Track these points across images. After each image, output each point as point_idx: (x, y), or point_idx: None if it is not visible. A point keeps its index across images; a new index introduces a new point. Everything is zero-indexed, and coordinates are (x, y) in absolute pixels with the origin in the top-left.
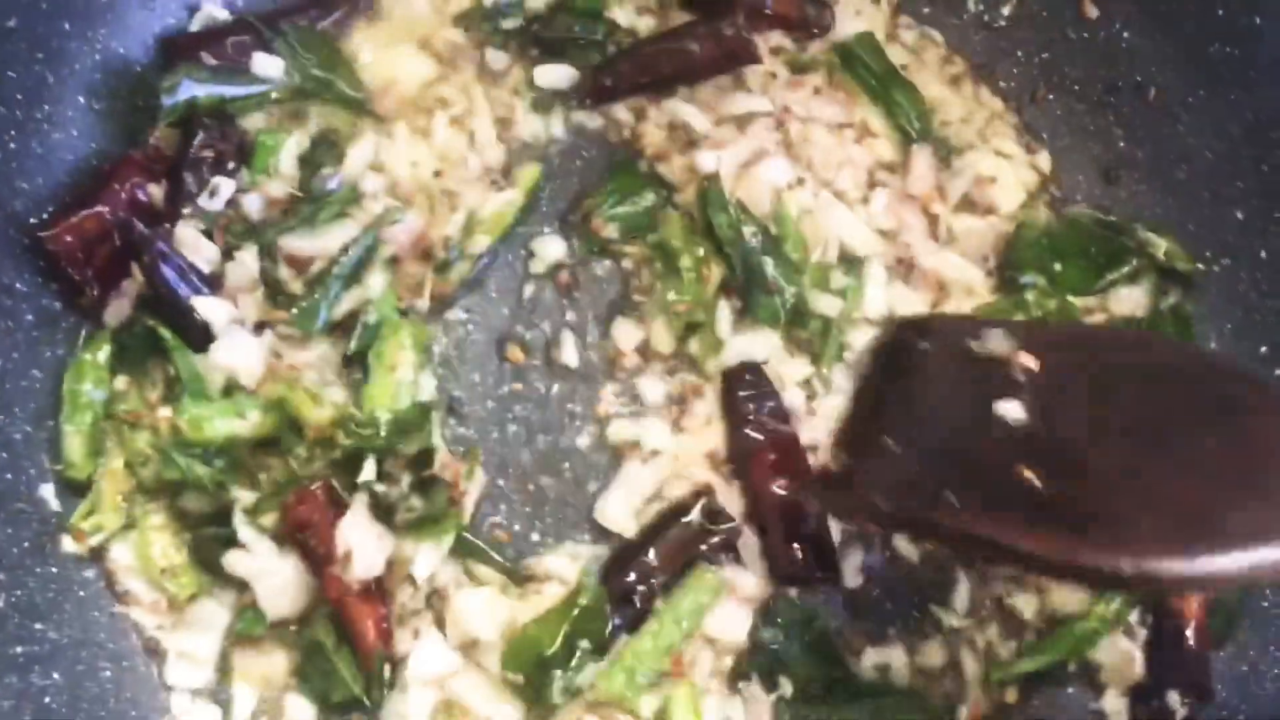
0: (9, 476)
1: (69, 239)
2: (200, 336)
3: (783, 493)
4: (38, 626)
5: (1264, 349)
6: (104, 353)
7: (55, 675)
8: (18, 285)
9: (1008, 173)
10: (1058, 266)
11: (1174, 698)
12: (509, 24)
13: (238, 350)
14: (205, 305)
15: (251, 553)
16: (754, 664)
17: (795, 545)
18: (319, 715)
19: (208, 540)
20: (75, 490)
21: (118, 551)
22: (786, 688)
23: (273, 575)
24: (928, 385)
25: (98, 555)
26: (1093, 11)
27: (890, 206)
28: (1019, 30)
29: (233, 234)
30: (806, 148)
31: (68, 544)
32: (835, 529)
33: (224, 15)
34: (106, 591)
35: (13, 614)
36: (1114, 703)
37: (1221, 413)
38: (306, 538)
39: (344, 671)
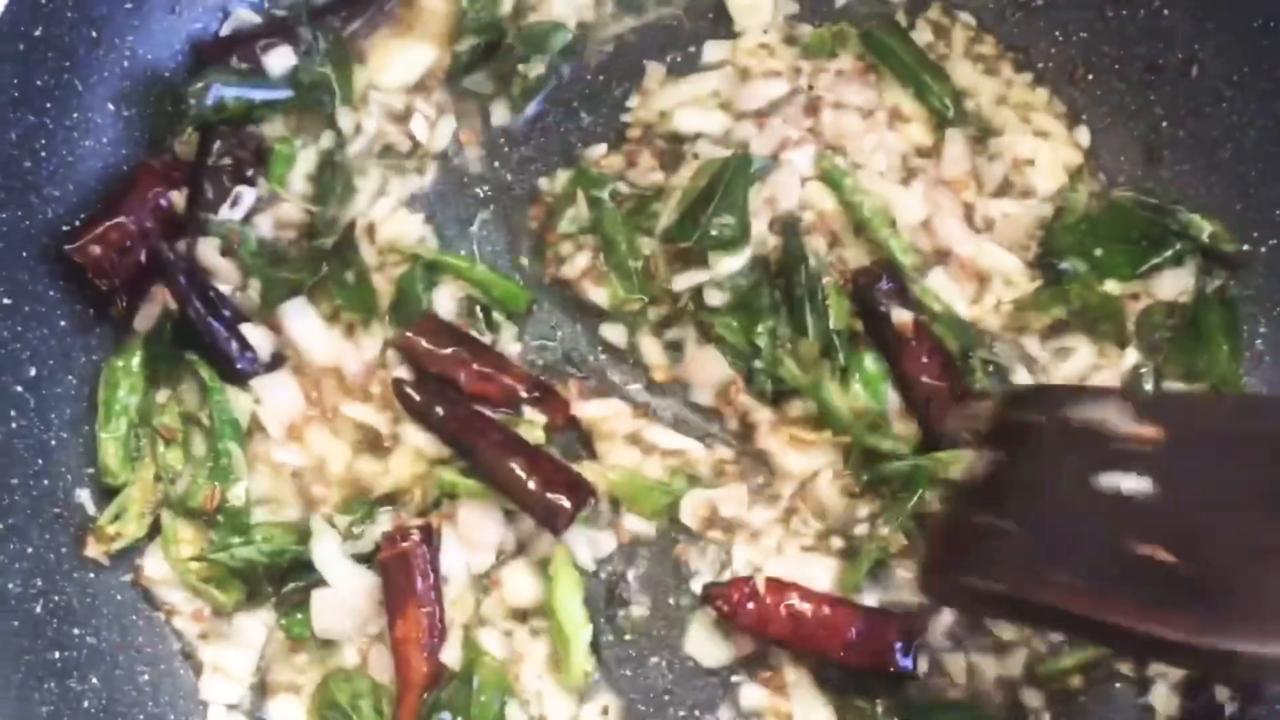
0: (45, 482)
1: (95, 250)
2: (235, 369)
3: None
4: (75, 631)
5: None
6: (136, 359)
7: (93, 680)
8: (51, 292)
9: (1046, 153)
10: (1098, 252)
11: (1223, 693)
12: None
13: (280, 386)
14: (252, 332)
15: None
16: None
17: None
18: None
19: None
20: (111, 496)
21: (150, 565)
22: None
23: (339, 588)
24: (1038, 459)
25: (132, 569)
26: None
27: (926, 194)
28: (1056, 9)
29: (245, 255)
30: (839, 135)
31: (90, 548)
32: None
33: (255, 19)
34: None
35: (50, 619)
36: (1163, 697)
37: None
38: (396, 572)
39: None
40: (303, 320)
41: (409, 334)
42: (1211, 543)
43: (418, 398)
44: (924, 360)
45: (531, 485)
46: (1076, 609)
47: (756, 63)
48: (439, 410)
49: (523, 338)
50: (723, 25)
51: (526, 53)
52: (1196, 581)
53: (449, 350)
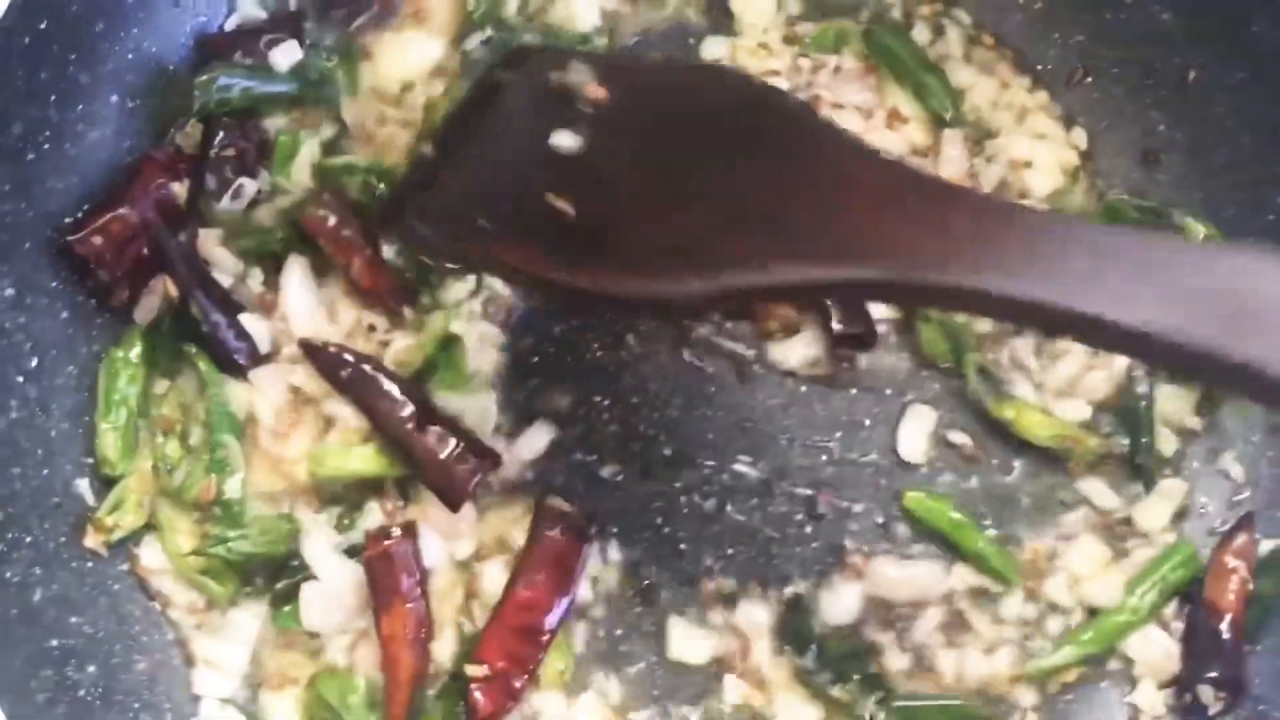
0: (45, 472)
1: (97, 241)
2: (234, 361)
3: None
4: (73, 620)
5: None
6: (136, 350)
7: (90, 668)
8: (53, 283)
9: (1043, 155)
10: None
11: (1208, 692)
12: None
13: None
14: (251, 322)
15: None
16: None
17: None
18: None
19: None
20: (110, 486)
21: (147, 555)
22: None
23: (327, 582)
24: (498, 117)
25: (128, 558)
26: None
27: None
28: (1055, 12)
29: (244, 243)
30: None
31: (89, 538)
32: None
33: (261, 15)
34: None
35: (49, 608)
36: (1148, 696)
37: (763, 142)
38: (381, 571)
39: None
40: (297, 279)
41: (317, 210)
42: (618, 198)
43: (327, 351)
44: None
45: (438, 455)
46: (495, 255)
47: (757, 62)
48: (344, 371)
49: None
50: (723, 24)
51: None
52: (594, 232)
53: (348, 232)
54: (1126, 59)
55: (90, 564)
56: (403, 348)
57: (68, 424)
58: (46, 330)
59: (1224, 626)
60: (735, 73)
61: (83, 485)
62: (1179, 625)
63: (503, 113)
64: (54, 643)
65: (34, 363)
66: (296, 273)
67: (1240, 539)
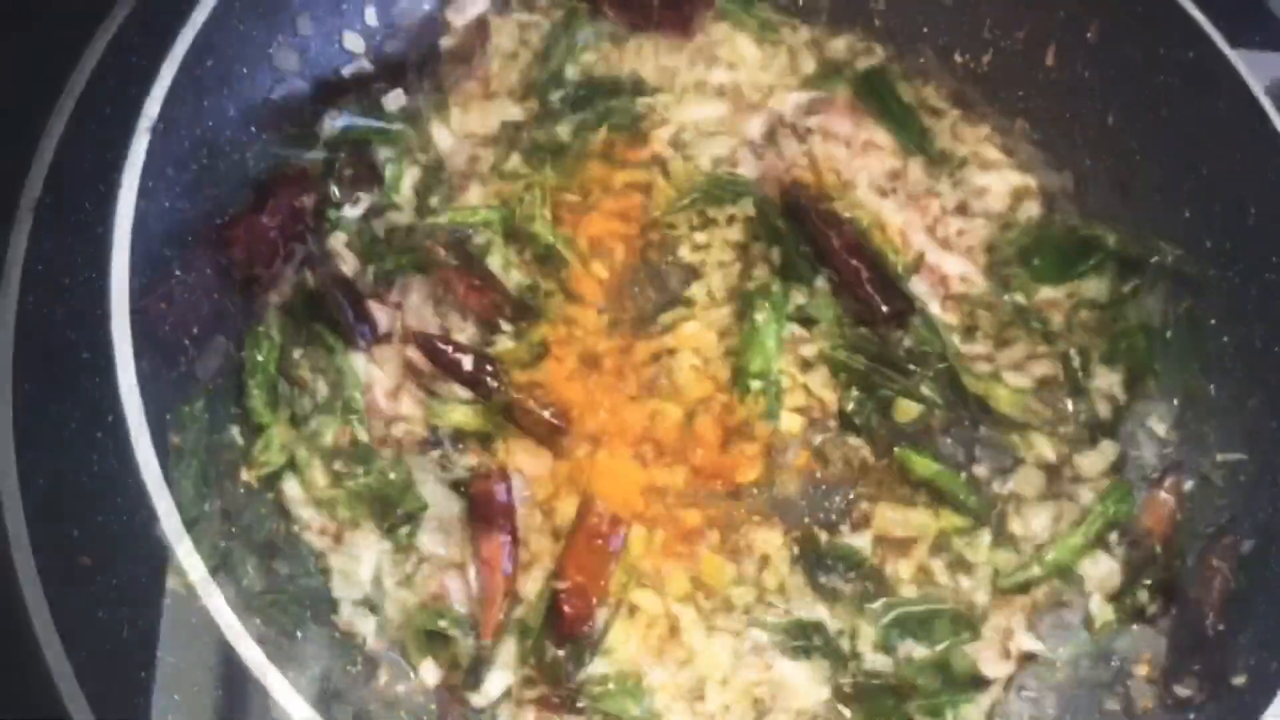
0: (207, 416)
1: (243, 237)
2: (357, 338)
3: None
4: (234, 529)
5: (1213, 320)
6: (274, 327)
7: (249, 567)
8: (208, 270)
9: (995, 182)
10: (1036, 261)
11: (1144, 596)
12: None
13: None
14: (375, 308)
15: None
16: None
17: None
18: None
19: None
20: (257, 432)
21: (289, 488)
22: None
23: (437, 509)
24: None
25: (272, 487)
26: (1051, 59)
27: (901, 209)
28: (998, 75)
29: (362, 244)
30: (828, 157)
31: (245, 473)
32: None
33: (370, 68)
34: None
35: (217, 518)
36: (1098, 606)
37: None
38: (482, 501)
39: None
40: (416, 294)
41: (429, 241)
42: None
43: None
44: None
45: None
46: None
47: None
48: (457, 357)
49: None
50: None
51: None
52: None
53: (456, 262)
54: (1057, 109)
55: (243, 491)
56: (501, 349)
57: (221, 380)
58: (204, 306)
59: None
60: None
61: (235, 430)
62: (1121, 550)
63: None
64: (222, 543)
65: (196, 330)
66: (416, 290)
67: (1170, 479)
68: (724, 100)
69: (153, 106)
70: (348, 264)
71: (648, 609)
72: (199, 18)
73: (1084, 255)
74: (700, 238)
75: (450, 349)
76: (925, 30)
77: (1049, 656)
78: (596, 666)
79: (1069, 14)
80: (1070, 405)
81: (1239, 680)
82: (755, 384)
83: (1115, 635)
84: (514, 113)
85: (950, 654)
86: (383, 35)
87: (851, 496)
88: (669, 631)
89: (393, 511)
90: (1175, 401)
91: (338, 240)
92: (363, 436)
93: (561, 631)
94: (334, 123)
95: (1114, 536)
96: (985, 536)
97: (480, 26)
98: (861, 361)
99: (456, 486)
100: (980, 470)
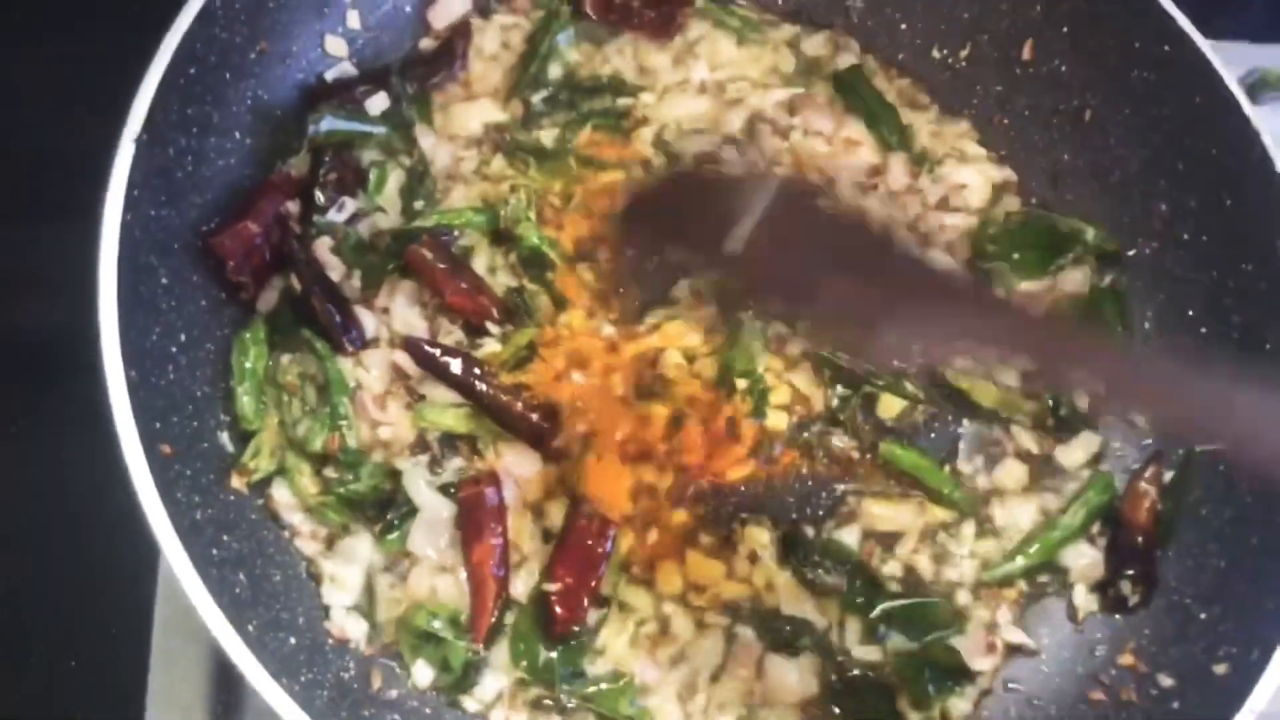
0: (195, 424)
1: (229, 244)
2: (344, 344)
3: None
4: (225, 538)
5: (1190, 312)
6: (260, 332)
7: (240, 576)
8: (194, 277)
9: (974, 177)
10: (1016, 255)
11: (1126, 586)
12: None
13: (379, 358)
14: (362, 313)
15: (415, 490)
16: None
17: None
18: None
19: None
20: (247, 438)
21: (278, 493)
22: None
23: (427, 513)
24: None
25: (262, 493)
26: (1029, 53)
27: (883, 205)
28: (976, 70)
29: (347, 249)
30: (810, 154)
31: (234, 480)
32: None
33: (353, 72)
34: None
35: (209, 526)
36: (1082, 596)
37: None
38: (473, 507)
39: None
40: (403, 298)
41: (416, 246)
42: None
43: (424, 348)
44: None
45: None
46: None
47: (741, 94)
48: (438, 361)
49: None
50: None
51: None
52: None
53: (443, 265)
54: (1035, 104)
55: (233, 498)
56: (488, 353)
57: (209, 387)
58: (191, 313)
59: (1139, 538)
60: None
61: (224, 437)
62: (1103, 540)
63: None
64: (215, 552)
65: (183, 337)
66: (402, 294)
67: (1150, 470)
68: (705, 98)
69: (136, 116)
70: (334, 269)
71: (638, 608)
72: (182, 24)
73: (1063, 249)
74: None
75: (438, 352)
76: (903, 26)
77: (1034, 648)
78: (588, 666)
79: (1045, 9)
80: (1050, 398)
81: (1221, 669)
82: (741, 382)
83: (1098, 626)
84: (497, 114)
85: (937, 647)
86: (365, 38)
87: (838, 492)
88: (660, 630)
89: (383, 516)
90: None
91: (323, 245)
92: (352, 442)
93: (553, 633)
94: (317, 127)
95: (1096, 528)
96: (970, 530)
97: (462, 28)
98: (845, 358)
99: (446, 490)
100: (964, 464)
